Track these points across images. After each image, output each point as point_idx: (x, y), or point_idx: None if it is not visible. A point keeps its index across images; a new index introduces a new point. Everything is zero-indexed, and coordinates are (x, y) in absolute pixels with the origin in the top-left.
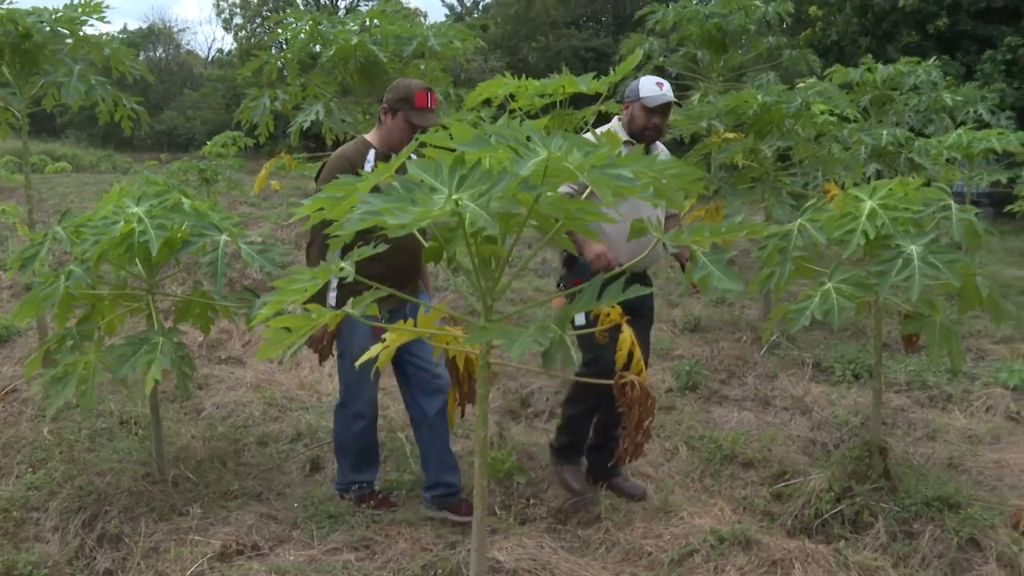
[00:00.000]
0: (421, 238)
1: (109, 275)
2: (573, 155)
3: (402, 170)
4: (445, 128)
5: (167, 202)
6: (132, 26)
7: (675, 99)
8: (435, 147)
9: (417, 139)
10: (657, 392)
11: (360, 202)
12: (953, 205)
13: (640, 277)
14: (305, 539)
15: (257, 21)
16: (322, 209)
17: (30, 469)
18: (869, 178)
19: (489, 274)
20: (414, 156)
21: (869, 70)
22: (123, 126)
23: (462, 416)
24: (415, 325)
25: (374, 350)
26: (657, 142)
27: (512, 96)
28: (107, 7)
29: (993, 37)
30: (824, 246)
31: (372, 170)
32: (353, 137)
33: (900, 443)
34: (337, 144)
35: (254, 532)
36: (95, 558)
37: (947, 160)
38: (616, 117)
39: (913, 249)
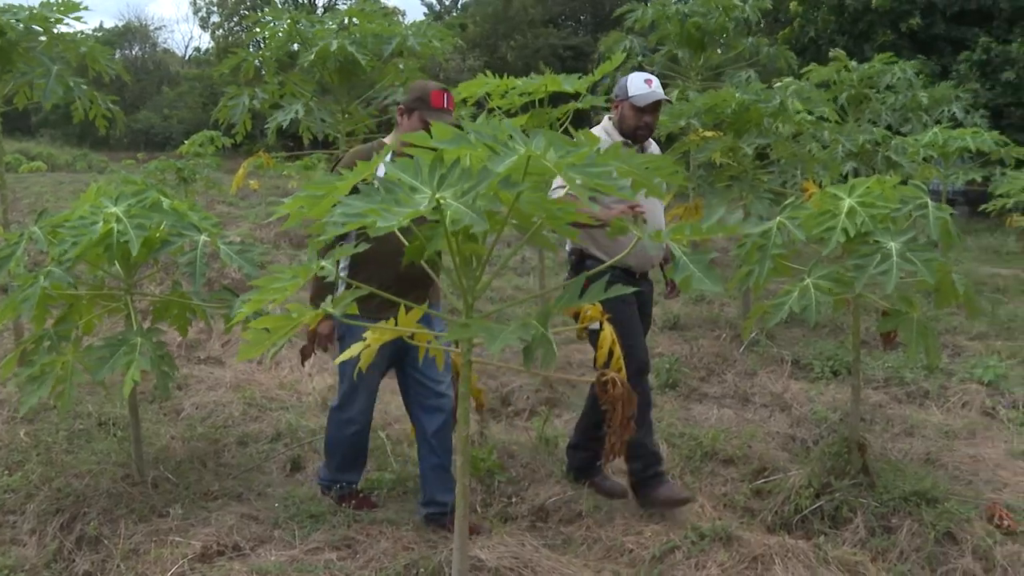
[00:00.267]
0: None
1: (85, 275)
2: (550, 154)
3: None
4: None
5: (146, 202)
6: (108, 24)
7: (665, 96)
8: (415, 146)
9: (402, 139)
10: None
11: (340, 204)
12: (930, 204)
13: (644, 277)
14: (286, 539)
15: (235, 19)
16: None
17: (6, 471)
18: (846, 176)
19: (470, 272)
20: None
21: (846, 68)
22: (97, 125)
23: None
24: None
25: (354, 349)
26: (649, 139)
27: (489, 95)
28: (84, 8)
29: (967, 39)
30: (803, 244)
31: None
32: (331, 137)
33: (878, 439)
34: (315, 143)
35: (235, 533)
36: (74, 560)
37: (923, 159)
38: (607, 116)
39: (892, 245)
